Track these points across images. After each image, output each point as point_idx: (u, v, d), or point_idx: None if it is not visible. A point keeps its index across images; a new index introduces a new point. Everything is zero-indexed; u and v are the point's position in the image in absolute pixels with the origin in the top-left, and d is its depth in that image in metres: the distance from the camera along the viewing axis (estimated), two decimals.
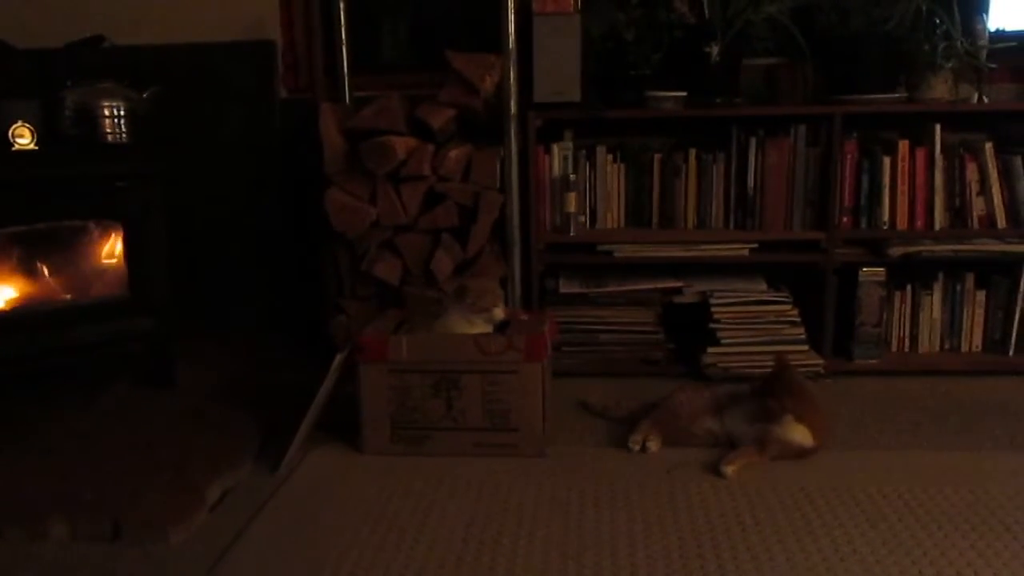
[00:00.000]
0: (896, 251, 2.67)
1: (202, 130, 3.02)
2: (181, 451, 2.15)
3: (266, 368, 2.81)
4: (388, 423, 2.19)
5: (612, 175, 2.83)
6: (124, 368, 2.66)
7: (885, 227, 2.73)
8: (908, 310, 2.79)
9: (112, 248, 2.60)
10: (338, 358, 2.27)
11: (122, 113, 2.51)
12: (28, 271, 2.53)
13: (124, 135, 2.52)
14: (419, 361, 2.16)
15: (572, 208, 2.74)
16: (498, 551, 1.72)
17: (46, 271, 2.57)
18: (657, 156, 2.80)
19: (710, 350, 2.67)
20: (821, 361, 2.66)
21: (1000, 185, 2.68)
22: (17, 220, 2.44)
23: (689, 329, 2.76)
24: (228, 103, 3.05)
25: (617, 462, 2.12)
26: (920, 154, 2.69)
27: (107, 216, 2.55)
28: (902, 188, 2.71)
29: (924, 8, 2.59)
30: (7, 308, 2.46)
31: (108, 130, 2.50)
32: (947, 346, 2.81)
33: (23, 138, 2.36)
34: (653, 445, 2.17)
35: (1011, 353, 2.74)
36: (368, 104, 2.66)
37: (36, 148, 2.38)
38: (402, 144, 2.59)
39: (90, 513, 1.84)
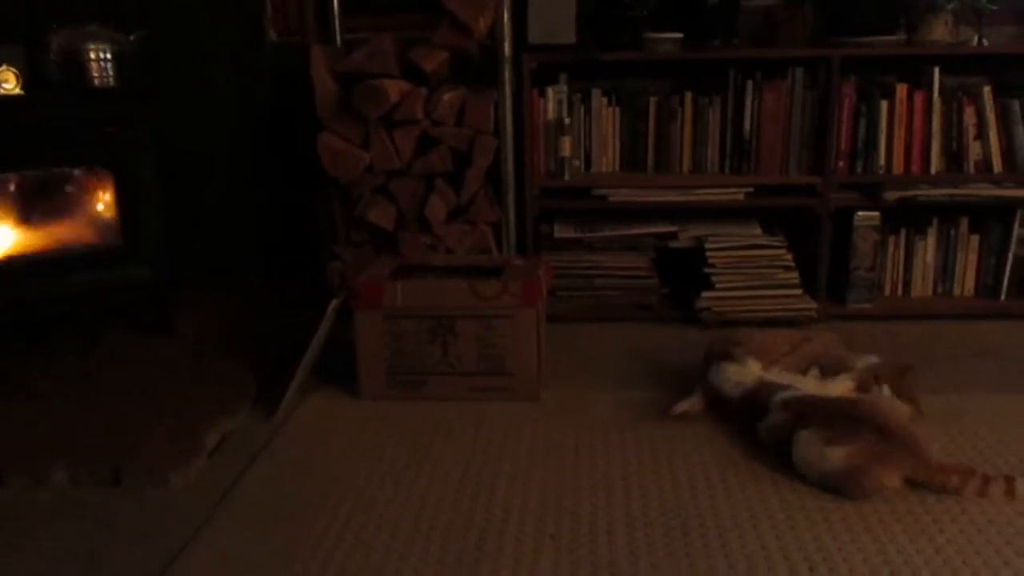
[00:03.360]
0: (891, 196, 2.66)
1: (191, 74, 2.97)
2: (179, 398, 2.17)
3: (261, 315, 2.82)
4: (384, 368, 2.20)
5: (607, 119, 2.80)
6: (119, 316, 2.66)
7: (881, 171, 2.72)
8: (902, 255, 2.80)
9: (103, 195, 2.58)
10: (333, 304, 2.27)
11: (108, 56, 2.46)
12: (18, 219, 2.51)
13: (111, 79, 2.48)
14: (414, 307, 2.16)
15: (567, 152, 2.72)
16: (494, 494, 1.74)
17: (37, 219, 2.54)
18: (653, 100, 2.78)
19: (704, 295, 2.68)
20: (814, 305, 2.68)
21: (997, 129, 2.66)
22: (5, 167, 2.41)
23: (684, 274, 2.76)
24: (217, 46, 3.00)
25: (611, 405, 2.13)
26: (918, 98, 2.67)
27: (96, 162, 2.53)
28: (899, 132, 2.69)
29: None
30: None
31: (95, 74, 2.46)
32: (940, 290, 2.82)
33: (8, 83, 2.32)
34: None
35: (1003, 298, 2.76)
36: (360, 47, 2.61)
37: (22, 93, 2.34)
38: (395, 87, 2.55)
39: (90, 459, 1.85)
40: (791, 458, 1.75)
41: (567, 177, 2.74)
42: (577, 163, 2.79)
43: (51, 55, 2.42)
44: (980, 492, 1.67)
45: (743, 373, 1.99)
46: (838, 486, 1.68)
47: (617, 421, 2.05)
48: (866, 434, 1.68)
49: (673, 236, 2.76)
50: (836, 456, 1.67)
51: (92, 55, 2.45)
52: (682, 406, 2.03)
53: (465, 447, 1.94)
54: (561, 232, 2.78)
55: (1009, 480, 1.68)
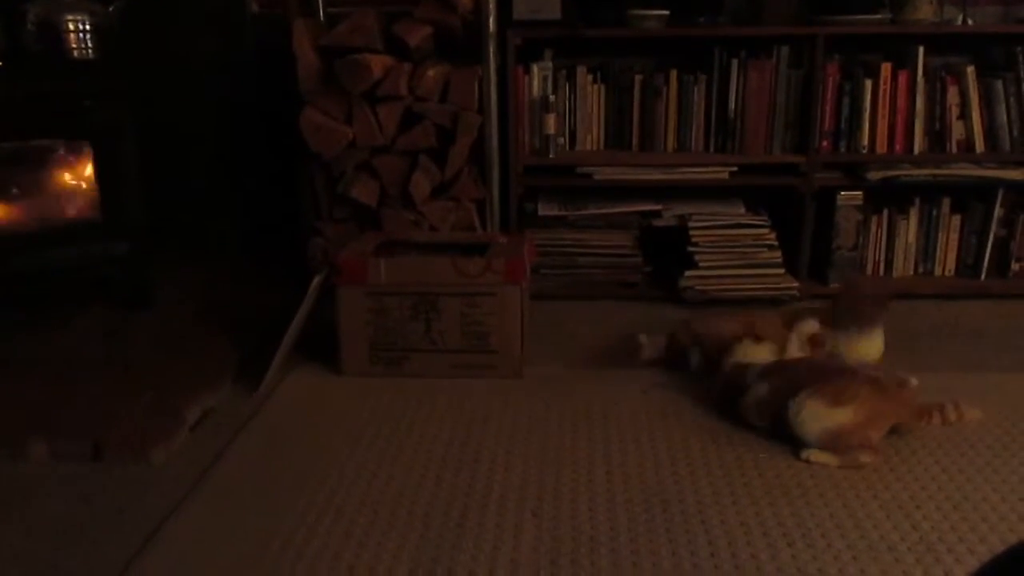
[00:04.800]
0: (874, 175, 2.67)
1: (171, 46, 2.93)
2: (160, 373, 2.15)
3: (244, 290, 2.80)
4: (367, 345, 2.19)
5: (592, 96, 2.79)
6: (100, 291, 2.63)
7: (864, 151, 2.72)
8: (884, 234, 2.81)
9: (82, 169, 2.54)
10: (316, 280, 2.26)
11: (87, 28, 2.42)
12: None
13: (90, 50, 2.43)
14: (397, 283, 2.16)
15: (551, 130, 2.71)
16: (477, 470, 1.75)
17: (14, 193, 2.51)
18: (638, 77, 2.76)
19: (687, 273, 2.68)
20: (797, 284, 2.69)
21: (980, 109, 2.67)
22: None
23: (667, 252, 2.77)
24: (197, 18, 2.95)
25: (593, 382, 2.14)
26: (902, 77, 2.67)
27: (75, 135, 2.49)
28: (883, 111, 2.69)
29: None
30: None
31: (73, 45, 2.42)
32: (921, 270, 2.84)
33: None
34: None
35: (983, 277, 2.78)
36: (342, 20, 2.58)
37: None
38: (378, 62, 2.53)
39: (71, 434, 1.85)
40: (783, 427, 1.78)
41: (552, 155, 2.73)
42: (562, 141, 2.78)
43: (28, 26, 2.38)
44: (944, 421, 1.88)
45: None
46: (842, 442, 1.73)
47: (599, 398, 2.05)
48: (864, 386, 1.76)
49: (657, 214, 2.76)
50: (844, 413, 1.73)
51: (70, 26, 2.41)
52: (648, 352, 2.16)
53: (447, 424, 1.95)
54: (545, 210, 2.78)
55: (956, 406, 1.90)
